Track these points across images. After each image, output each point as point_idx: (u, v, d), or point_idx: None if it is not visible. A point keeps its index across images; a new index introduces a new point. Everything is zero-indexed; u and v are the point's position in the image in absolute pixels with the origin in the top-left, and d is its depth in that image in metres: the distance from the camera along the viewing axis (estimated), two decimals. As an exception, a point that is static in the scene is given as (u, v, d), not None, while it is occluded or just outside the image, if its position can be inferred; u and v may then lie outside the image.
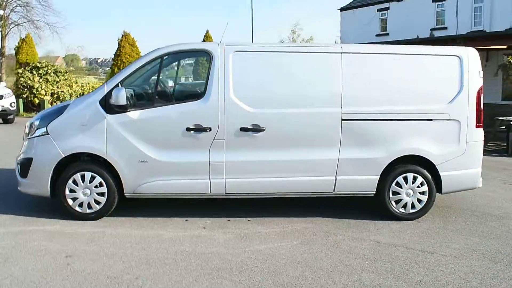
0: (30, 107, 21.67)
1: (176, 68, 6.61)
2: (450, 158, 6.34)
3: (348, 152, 6.17)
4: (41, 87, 21.45)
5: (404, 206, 6.39)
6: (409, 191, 6.36)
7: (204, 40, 26.43)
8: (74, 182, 6.11)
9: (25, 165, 6.22)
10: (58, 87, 21.87)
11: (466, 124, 6.33)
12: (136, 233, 5.80)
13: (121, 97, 5.78)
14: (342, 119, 6.13)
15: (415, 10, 25.45)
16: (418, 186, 6.35)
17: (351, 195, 6.44)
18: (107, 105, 5.97)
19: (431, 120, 6.27)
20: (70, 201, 6.15)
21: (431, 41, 14.11)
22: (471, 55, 6.37)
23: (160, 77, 6.12)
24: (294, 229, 6.02)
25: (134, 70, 6.06)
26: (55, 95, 21.86)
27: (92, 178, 6.11)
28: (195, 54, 6.35)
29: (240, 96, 6.02)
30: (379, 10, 28.62)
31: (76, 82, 23.13)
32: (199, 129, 5.98)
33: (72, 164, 6.15)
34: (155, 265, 4.84)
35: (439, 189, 6.43)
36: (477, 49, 6.65)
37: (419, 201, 6.39)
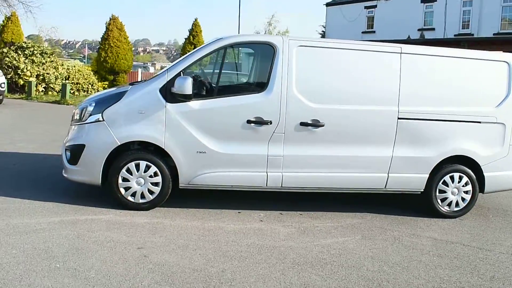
0: (14, 88, 20.92)
1: (239, 59, 6.54)
2: (494, 160, 6.56)
3: (401, 150, 6.30)
4: (26, 68, 20.72)
5: (449, 204, 6.58)
6: (455, 190, 6.55)
7: (192, 28, 26.15)
8: (128, 171, 5.99)
9: (76, 151, 6.05)
10: (43, 69, 21.17)
11: (510, 127, 6.56)
12: (196, 224, 5.75)
13: (187, 86, 5.70)
14: (398, 118, 6.24)
15: (403, 9, 25.93)
16: (463, 186, 6.55)
17: (400, 192, 6.58)
18: (168, 94, 5.88)
19: (479, 122, 6.47)
20: (122, 191, 6.03)
21: (431, 42, 14.42)
22: (518, 61, 6.60)
23: (223, 67, 6.06)
24: (349, 224, 6.10)
25: (197, 59, 5.98)
26: (41, 77, 21.17)
27: (147, 167, 6.01)
28: (258, 46, 6.30)
29: (302, 91, 6.03)
30: (366, 7, 29.00)
31: (62, 65, 22.44)
32: (259, 122, 5.97)
33: (125, 152, 6.02)
34: (234, 258, 4.82)
35: (482, 189, 6.66)
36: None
37: (463, 199, 6.59)
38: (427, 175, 6.43)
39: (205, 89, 6.13)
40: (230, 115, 5.98)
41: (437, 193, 6.52)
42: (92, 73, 23.09)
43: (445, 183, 6.52)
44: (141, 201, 6.07)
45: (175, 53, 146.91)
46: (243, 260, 4.80)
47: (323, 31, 44.77)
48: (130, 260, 4.62)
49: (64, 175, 6.32)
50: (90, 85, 22.49)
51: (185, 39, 26.53)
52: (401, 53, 6.27)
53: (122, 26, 23.77)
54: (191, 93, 5.75)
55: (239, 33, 31.09)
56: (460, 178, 6.54)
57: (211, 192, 6.76)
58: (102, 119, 5.95)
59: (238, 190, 6.50)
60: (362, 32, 28.28)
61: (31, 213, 5.77)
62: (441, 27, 23.54)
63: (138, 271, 4.41)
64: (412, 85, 6.27)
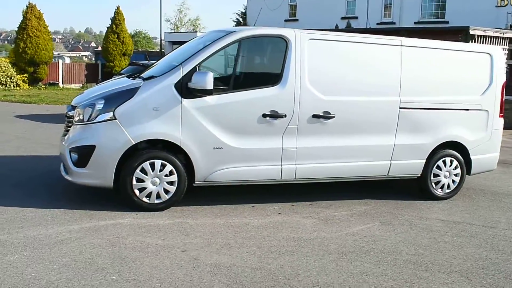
0: None
1: (252, 52, 6.42)
2: (480, 144, 7.14)
3: (402, 138, 6.64)
4: None
5: (442, 187, 7.06)
6: (446, 173, 7.03)
7: (115, 17, 25.04)
8: (142, 170, 5.74)
9: (85, 153, 5.68)
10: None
11: (493, 114, 7.17)
12: (221, 222, 5.67)
13: (208, 81, 5.56)
14: (400, 108, 6.56)
15: (326, -2, 26.77)
16: (453, 169, 7.06)
17: (400, 177, 6.93)
18: (184, 89, 5.70)
19: (467, 109, 6.99)
20: (137, 192, 5.77)
21: (369, 31, 15.10)
22: (498, 53, 7.21)
23: (238, 61, 5.97)
24: (361, 212, 6.34)
25: (212, 52, 5.84)
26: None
27: (162, 166, 5.79)
28: (272, 40, 6.26)
29: (314, 83, 6.13)
30: (288, -5, 29.56)
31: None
32: (275, 115, 5.99)
33: (139, 152, 5.76)
34: (283, 253, 4.84)
35: (468, 171, 7.21)
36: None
37: (453, 182, 7.11)
38: (424, 161, 6.84)
39: (221, 84, 6.00)
40: (246, 109, 5.93)
41: (432, 177, 6.97)
42: (10, 65, 21.34)
43: (438, 167, 6.98)
44: (156, 201, 5.86)
45: (73, 42, 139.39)
46: (292, 254, 4.84)
47: (237, 18, 44.84)
48: (185, 265, 4.48)
49: (68, 178, 5.91)
50: (8, 78, 20.81)
51: (107, 27, 25.39)
52: (401, 45, 6.57)
53: (40, 15, 22.15)
54: (212, 88, 5.61)
55: (161, 21, 30.28)
56: (451, 162, 7.04)
57: (216, 188, 6.65)
58: (114, 118, 5.63)
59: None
60: (285, 20, 28.84)
61: (43, 223, 5.35)
62: (363, 16, 24.69)
63: (201, 276, 4.29)
64: (411, 76, 6.61)
